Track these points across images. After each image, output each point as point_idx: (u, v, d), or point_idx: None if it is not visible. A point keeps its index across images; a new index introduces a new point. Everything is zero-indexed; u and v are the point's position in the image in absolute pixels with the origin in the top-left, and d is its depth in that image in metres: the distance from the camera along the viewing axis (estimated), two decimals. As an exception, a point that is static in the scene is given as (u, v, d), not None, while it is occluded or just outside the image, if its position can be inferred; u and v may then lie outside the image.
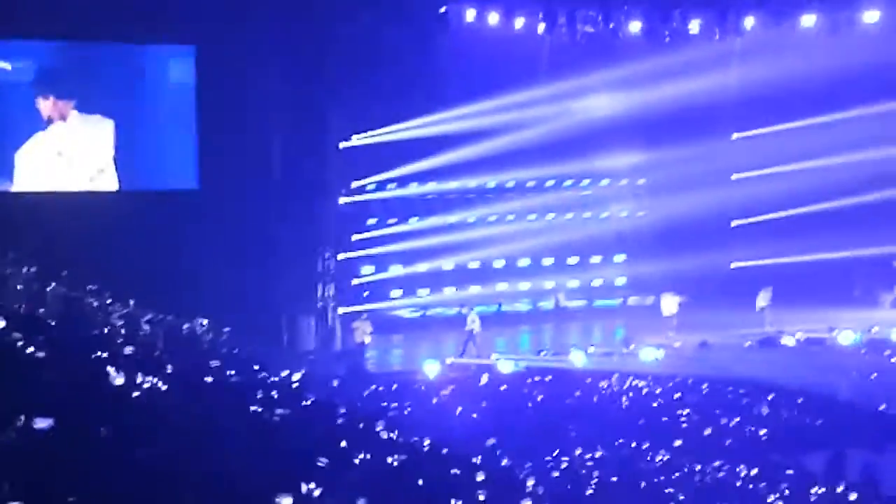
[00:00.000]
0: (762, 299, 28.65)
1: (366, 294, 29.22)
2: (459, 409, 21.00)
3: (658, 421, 20.82)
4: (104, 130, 24.85)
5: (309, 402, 14.78)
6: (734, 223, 32.83)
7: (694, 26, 29.33)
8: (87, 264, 20.36)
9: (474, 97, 27.44)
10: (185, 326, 19.73)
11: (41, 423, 5.75)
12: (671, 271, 29.77)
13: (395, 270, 29.84)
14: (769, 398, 21.58)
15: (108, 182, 25.03)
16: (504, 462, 16.26)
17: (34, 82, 24.36)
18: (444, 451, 14.84)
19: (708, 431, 20.19)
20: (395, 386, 22.39)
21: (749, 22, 29.40)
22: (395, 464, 12.11)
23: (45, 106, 24.33)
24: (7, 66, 24.10)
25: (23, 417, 6.12)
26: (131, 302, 19.04)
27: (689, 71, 28.08)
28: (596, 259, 33.00)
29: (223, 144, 25.05)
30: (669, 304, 27.99)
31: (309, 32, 25.66)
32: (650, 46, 28.79)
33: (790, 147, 30.17)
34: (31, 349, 8.35)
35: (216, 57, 25.02)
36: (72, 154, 24.78)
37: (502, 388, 22.59)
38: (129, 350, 12.29)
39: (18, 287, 15.19)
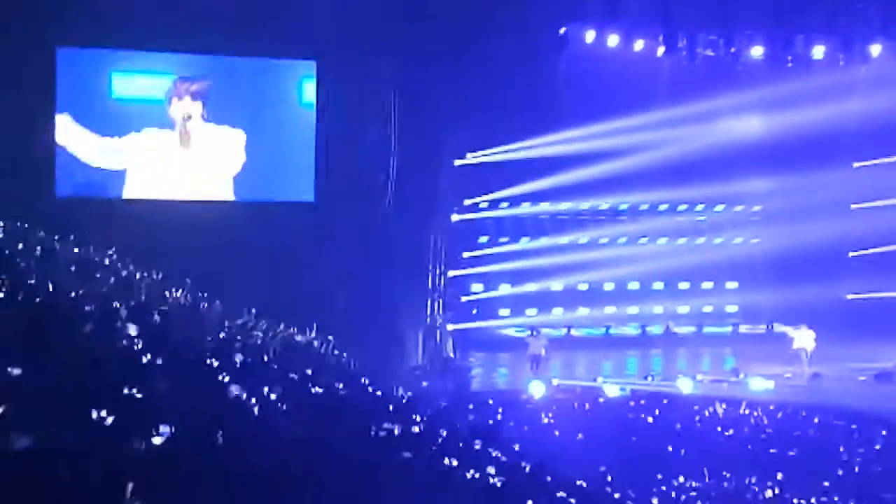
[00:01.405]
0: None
1: (474, 311, 29.34)
2: (564, 431, 20.96)
3: (766, 452, 20.50)
4: (235, 141, 25.31)
5: (416, 418, 14.89)
6: (852, 254, 32.15)
7: (818, 52, 28.86)
8: (203, 273, 20.85)
9: (590, 119, 27.38)
10: (299, 338, 20.04)
11: (162, 430, 5.94)
12: (784, 300, 29.27)
13: (504, 289, 29.88)
14: (883, 434, 21.08)
15: (226, 192, 25.51)
16: (607, 488, 16.17)
17: (168, 91, 24.90)
18: (549, 471, 14.85)
19: (817, 466, 19.81)
20: (500, 405, 22.45)
21: (875, 49, 28.84)
22: (499, 484, 12.16)
23: (177, 109, 24.88)
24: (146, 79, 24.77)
25: (144, 426, 6.33)
26: (247, 311, 19.41)
27: (810, 98, 27.61)
28: (707, 285, 32.61)
29: (339, 158, 25.43)
30: (805, 337, 26.67)
31: (426, 50, 25.88)
32: (771, 72, 28.42)
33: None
34: (147, 357, 8.59)
35: (336, 72, 25.42)
36: (198, 163, 25.29)
37: (607, 411, 22.48)
38: (242, 358, 12.56)
39: (142, 294, 15.58)
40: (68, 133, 24.01)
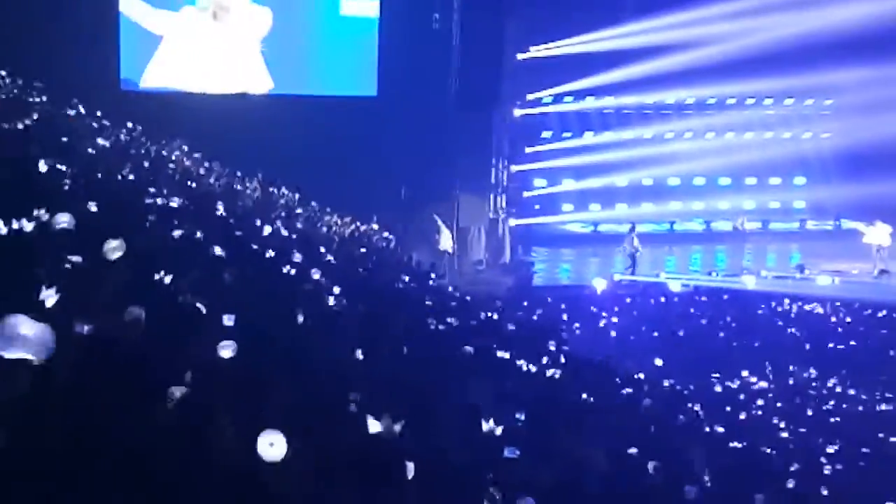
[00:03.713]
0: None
1: (537, 207, 29.26)
2: (626, 325, 21.04)
3: (828, 348, 20.45)
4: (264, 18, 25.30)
5: (478, 313, 15.03)
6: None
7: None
8: (269, 167, 21.06)
9: (656, 11, 26.83)
10: (363, 230, 20.19)
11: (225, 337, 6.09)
12: (854, 196, 28.80)
13: (568, 185, 29.72)
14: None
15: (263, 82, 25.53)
16: (667, 382, 16.26)
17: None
18: (609, 365, 14.97)
19: (879, 362, 19.75)
20: (562, 301, 22.54)
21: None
22: (559, 376, 12.30)
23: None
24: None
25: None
26: (313, 204, 19.58)
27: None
28: (775, 181, 32.18)
29: (402, 52, 25.30)
30: (880, 233, 25.89)
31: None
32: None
33: None
34: (217, 250, 8.72)
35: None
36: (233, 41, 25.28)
37: (670, 306, 22.49)
38: (309, 250, 12.71)
39: (215, 186, 15.75)
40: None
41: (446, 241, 24.32)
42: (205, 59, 24.93)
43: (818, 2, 27.43)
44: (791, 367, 19.46)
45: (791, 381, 19.14)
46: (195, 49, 24.78)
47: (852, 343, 20.63)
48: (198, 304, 6.45)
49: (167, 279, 6.79)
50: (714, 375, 18.79)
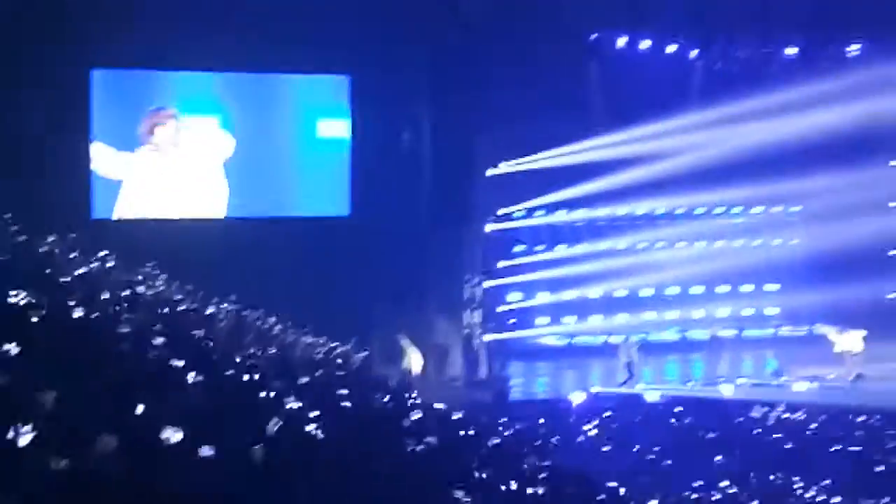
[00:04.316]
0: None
1: (512, 321, 29.27)
2: (605, 438, 20.87)
3: (810, 455, 20.32)
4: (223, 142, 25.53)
5: (456, 431, 14.87)
6: (892, 252, 31.82)
7: (853, 51, 28.71)
8: (244, 290, 20.98)
9: (624, 124, 27.29)
10: (338, 352, 20.07)
11: (173, 435, 5.97)
12: (825, 301, 29.00)
13: (542, 298, 29.79)
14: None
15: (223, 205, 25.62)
16: (650, 497, 16.07)
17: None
18: (590, 480, 14.79)
19: (862, 468, 19.62)
20: (541, 415, 22.38)
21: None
22: (541, 492, 12.13)
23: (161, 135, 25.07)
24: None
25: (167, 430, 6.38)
26: (286, 326, 19.47)
27: (846, 97, 27.37)
28: (747, 288, 32.38)
29: (374, 171, 25.53)
30: (852, 340, 26.26)
31: (458, 60, 25.93)
32: (808, 71, 28.22)
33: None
34: (188, 373, 8.64)
35: (369, 85, 25.52)
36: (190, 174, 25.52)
37: (648, 418, 22.37)
38: (283, 373, 12.60)
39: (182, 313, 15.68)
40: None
41: (414, 362, 24.20)
42: (165, 191, 25.23)
43: (782, 111, 27.99)
44: (772, 476, 19.30)
45: (772, 490, 18.97)
46: (156, 183, 25.09)
47: (833, 449, 20.52)
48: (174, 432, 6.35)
49: (140, 408, 6.70)
50: (699, 485, 18.60)
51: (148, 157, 24.93)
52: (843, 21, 28.35)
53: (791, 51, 28.51)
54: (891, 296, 31.26)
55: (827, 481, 18.98)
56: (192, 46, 23.43)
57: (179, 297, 18.35)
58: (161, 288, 18.19)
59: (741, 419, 22.29)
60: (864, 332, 26.34)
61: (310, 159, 26.27)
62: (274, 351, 16.42)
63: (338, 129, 26.08)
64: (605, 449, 20.28)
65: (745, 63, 28.81)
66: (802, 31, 28.48)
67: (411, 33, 25.30)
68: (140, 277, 18.17)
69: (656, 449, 20.09)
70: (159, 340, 10.64)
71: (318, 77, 26.30)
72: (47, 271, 12.68)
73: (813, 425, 21.99)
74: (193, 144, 25.38)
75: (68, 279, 13.45)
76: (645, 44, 28.09)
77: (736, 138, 28.46)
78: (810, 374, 25.48)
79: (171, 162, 25.14)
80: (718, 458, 19.83)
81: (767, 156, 28.50)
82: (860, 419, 21.89)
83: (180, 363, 9.41)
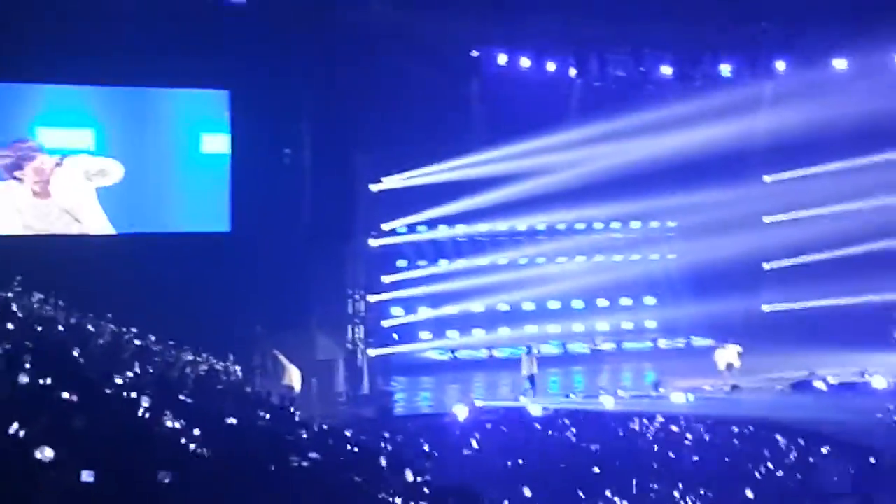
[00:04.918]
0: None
1: (395, 336, 29.26)
2: (489, 452, 20.94)
3: (688, 465, 20.69)
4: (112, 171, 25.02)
5: (339, 447, 14.77)
6: (766, 266, 32.67)
7: (725, 70, 29.50)
8: (121, 307, 20.55)
9: (505, 140, 27.55)
10: (218, 369, 19.82)
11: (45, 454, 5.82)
12: (702, 314, 29.63)
13: (425, 312, 29.86)
14: (800, 442, 21.39)
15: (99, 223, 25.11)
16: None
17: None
18: (474, 494, 14.81)
19: (739, 476, 20.03)
20: (424, 429, 22.37)
21: (780, 65, 29.54)
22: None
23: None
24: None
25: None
26: (165, 343, 19.14)
27: (720, 114, 28.07)
28: (626, 302, 32.91)
29: (254, 187, 25.28)
30: (730, 354, 26.98)
31: (339, 75, 25.87)
32: (681, 90, 28.87)
33: (822, 190, 30.06)
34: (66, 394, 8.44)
35: (249, 101, 25.28)
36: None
37: (530, 431, 22.52)
38: (163, 391, 12.38)
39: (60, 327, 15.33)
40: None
41: (293, 378, 23.98)
42: (37, 220, 24.58)
43: (659, 129, 28.59)
44: (653, 485, 19.58)
45: (654, 497, 19.24)
46: (27, 216, 24.45)
47: (711, 458, 20.91)
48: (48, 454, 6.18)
49: (13, 428, 6.52)
50: (583, 497, 18.77)
51: (15, 191, 24.23)
52: (712, 42, 29.11)
53: (666, 70, 29.13)
54: (765, 308, 32.08)
55: (705, 490, 19.35)
56: (61, 60, 22.86)
57: (52, 314, 17.93)
58: (35, 306, 17.74)
59: (622, 431, 22.58)
60: (739, 347, 27.01)
61: (192, 174, 25.88)
62: (155, 367, 16.15)
63: (219, 144, 25.74)
64: (487, 461, 20.36)
65: (623, 81, 29.35)
66: (675, 52, 29.13)
67: (292, 47, 25.15)
68: (10, 295, 17.68)
69: (539, 461, 20.24)
70: (29, 359, 10.37)
71: (198, 92, 25.94)
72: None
73: (690, 435, 22.40)
74: (71, 179, 24.69)
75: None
76: (525, 61, 28.38)
77: (615, 155, 28.97)
78: (688, 386, 25.95)
79: (44, 200, 24.48)
80: (598, 469, 20.05)
81: (645, 172, 29.08)
82: (736, 429, 22.35)
83: (52, 382, 9.18)
